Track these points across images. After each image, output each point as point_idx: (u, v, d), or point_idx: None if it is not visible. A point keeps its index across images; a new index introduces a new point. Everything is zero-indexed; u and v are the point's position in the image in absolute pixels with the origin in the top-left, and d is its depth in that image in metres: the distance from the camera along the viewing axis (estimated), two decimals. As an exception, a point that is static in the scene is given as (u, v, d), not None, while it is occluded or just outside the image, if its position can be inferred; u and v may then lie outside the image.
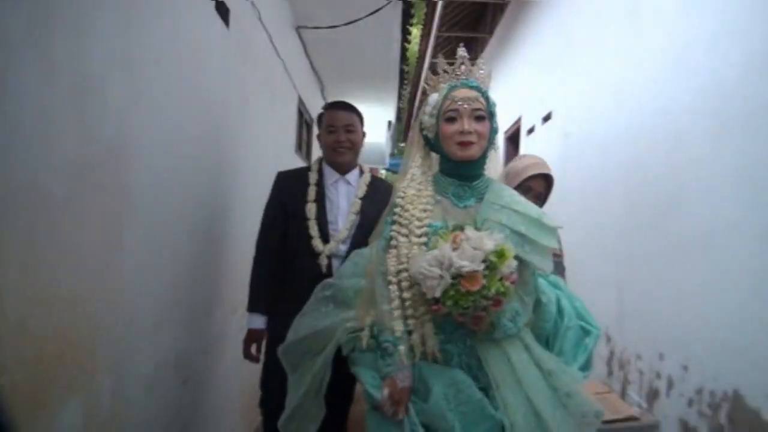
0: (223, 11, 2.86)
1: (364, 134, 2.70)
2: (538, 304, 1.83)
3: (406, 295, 1.73)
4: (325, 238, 2.48)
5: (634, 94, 3.41)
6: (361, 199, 2.56)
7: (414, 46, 10.47)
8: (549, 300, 1.87)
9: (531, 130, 5.78)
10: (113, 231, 1.76)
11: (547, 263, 1.78)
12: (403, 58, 6.60)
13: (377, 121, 7.83)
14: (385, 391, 1.70)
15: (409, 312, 1.72)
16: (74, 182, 1.52)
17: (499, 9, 7.55)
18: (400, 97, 8.26)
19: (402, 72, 6.62)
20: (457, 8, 8.24)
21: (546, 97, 5.36)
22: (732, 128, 2.47)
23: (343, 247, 2.48)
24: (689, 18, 2.87)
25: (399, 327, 1.72)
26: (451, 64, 1.82)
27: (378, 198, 2.48)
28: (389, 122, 9.17)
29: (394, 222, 1.81)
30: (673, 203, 2.89)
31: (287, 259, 2.52)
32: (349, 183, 2.61)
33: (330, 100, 7.29)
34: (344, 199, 2.57)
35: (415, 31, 11.73)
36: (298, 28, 4.88)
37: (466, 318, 1.64)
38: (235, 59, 3.13)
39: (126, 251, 1.84)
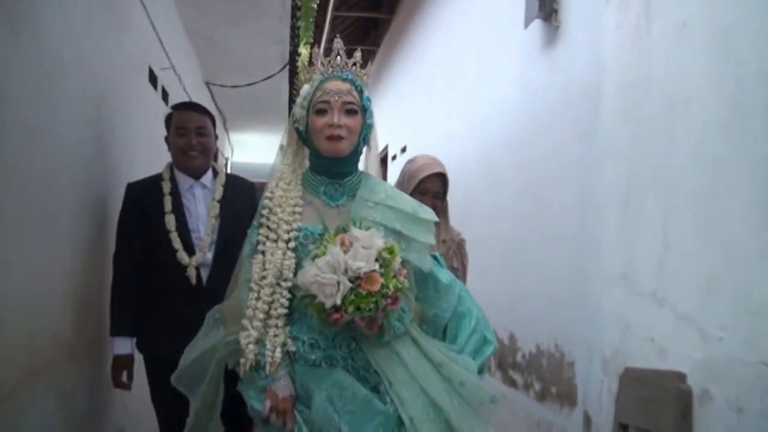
0: (162, 93, 4.18)
1: (216, 137, 2.62)
2: (437, 288, 1.81)
3: (262, 302, 1.68)
4: (190, 249, 2.40)
5: (454, 144, 5.03)
6: (219, 201, 2.47)
7: (303, 60, 11.77)
8: (451, 284, 1.85)
9: (394, 158, 7.37)
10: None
11: (425, 260, 1.75)
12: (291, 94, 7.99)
13: (271, 144, 9.20)
14: (267, 403, 1.64)
15: (270, 321, 1.67)
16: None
17: (386, 24, 8.61)
18: (290, 124, 9.66)
19: (291, 108, 8.03)
20: (344, 22, 9.09)
21: (403, 131, 6.97)
22: (496, 177, 4.10)
23: (210, 255, 2.42)
24: (481, 92, 4.50)
25: (257, 336, 1.67)
26: (328, 56, 1.76)
27: (237, 197, 2.47)
28: (281, 146, 10.65)
29: (261, 225, 1.74)
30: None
31: (154, 275, 2.43)
32: (205, 186, 2.51)
33: (232, 132, 8.62)
34: (202, 204, 2.49)
35: (304, 51, 13.03)
36: (207, 83, 6.21)
37: (364, 323, 1.58)
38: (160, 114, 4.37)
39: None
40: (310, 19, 10.82)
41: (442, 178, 2.49)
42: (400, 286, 1.56)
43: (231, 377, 1.83)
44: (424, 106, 6.04)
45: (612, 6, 2.60)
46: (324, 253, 1.57)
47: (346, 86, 1.71)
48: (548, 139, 3.27)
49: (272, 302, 1.67)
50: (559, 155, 3.15)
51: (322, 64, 1.76)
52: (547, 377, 3.15)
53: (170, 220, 2.39)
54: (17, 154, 1.95)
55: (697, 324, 2.03)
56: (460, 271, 2.55)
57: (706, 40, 2.04)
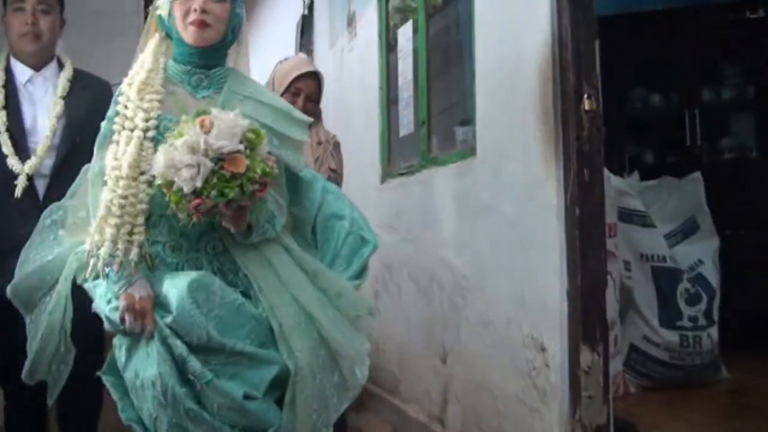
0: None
1: (63, 22, 2.20)
2: (297, 186, 1.72)
3: (119, 196, 1.48)
4: (25, 154, 2.03)
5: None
6: (62, 98, 2.10)
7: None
8: (312, 180, 1.77)
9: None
10: None
11: (299, 159, 1.67)
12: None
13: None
14: (122, 304, 1.48)
15: (126, 218, 1.49)
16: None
17: None
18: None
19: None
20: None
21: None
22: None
23: (49, 162, 2.05)
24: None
25: (113, 235, 1.48)
26: None
27: (88, 96, 2.11)
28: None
29: (117, 114, 1.57)
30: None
31: None
32: (47, 80, 2.14)
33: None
34: (43, 102, 2.12)
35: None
36: None
37: (230, 212, 1.43)
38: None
39: None
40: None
41: (316, 80, 2.35)
42: (268, 170, 1.43)
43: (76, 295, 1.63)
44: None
45: (331, 51, 4.64)
46: (181, 135, 1.42)
47: None
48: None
49: (127, 197, 1.49)
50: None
51: None
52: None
53: (1, 117, 2.03)
54: None
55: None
56: (337, 173, 2.44)
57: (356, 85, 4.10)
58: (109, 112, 1.61)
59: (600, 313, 2.16)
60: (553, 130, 2.22)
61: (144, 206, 1.52)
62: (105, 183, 1.53)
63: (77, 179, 1.70)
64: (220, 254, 1.59)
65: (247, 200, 1.43)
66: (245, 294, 1.58)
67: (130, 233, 1.50)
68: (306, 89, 2.32)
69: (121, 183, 1.50)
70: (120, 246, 1.49)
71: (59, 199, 1.78)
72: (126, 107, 1.57)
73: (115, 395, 1.59)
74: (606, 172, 3.07)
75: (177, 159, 1.39)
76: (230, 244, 1.58)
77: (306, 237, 1.74)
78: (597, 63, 2.19)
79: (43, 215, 1.69)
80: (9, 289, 1.66)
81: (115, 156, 1.53)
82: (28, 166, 2.01)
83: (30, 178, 2.02)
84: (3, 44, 2.22)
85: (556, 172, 2.21)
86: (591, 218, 2.15)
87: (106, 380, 1.61)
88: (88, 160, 1.66)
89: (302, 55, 2.50)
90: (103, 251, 1.49)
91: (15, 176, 2.00)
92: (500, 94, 2.56)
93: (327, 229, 1.76)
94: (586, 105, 2.14)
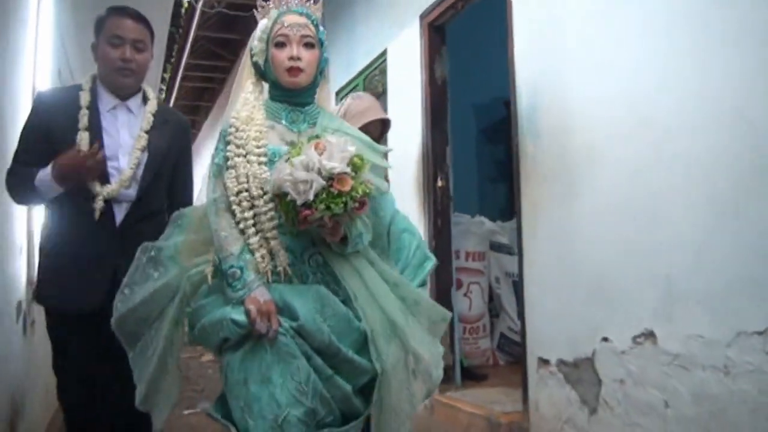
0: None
1: (152, 56, 2.19)
2: (377, 197, 1.84)
3: (246, 215, 1.69)
4: (104, 179, 2.00)
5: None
6: (147, 132, 2.08)
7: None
8: (386, 193, 1.95)
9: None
10: None
11: (383, 183, 1.83)
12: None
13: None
14: (251, 308, 1.62)
15: (251, 231, 1.69)
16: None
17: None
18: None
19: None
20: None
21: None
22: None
23: (130, 192, 2.04)
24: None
25: (241, 246, 1.68)
26: None
27: (168, 131, 2.12)
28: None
29: (228, 143, 1.74)
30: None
31: (57, 209, 2.04)
32: (130, 111, 2.12)
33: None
34: (126, 131, 2.08)
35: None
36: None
37: (331, 223, 1.62)
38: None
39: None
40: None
41: (384, 124, 2.52)
42: (368, 191, 1.63)
43: None
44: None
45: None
46: (299, 154, 1.62)
47: (303, 20, 1.80)
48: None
49: (256, 215, 1.69)
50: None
51: None
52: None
53: (83, 139, 2.00)
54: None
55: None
56: None
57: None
58: (219, 144, 1.79)
59: (448, 303, 3.74)
60: (423, 196, 3.88)
61: (276, 222, 1.71)
62: (230, 203, 1.71)
63: (168, 228, 1.83)
64: (321, 266, 1.77)
65: (347, 216, 1.64)
66: (344, 302, 1.74)
67: (261, 245, 1.70)
68: (373, 132, 2.43)
69: (248, 204, 1.71)
70: (257, 256, 1.69)
71: (136, 225, 2.02)
72: (236, 137, 1.75)
73: (227, 424, 1.68)
74: (482, 218, 4.75)
75: (294, 174, 1.58)
76: (329, 258, 1.76)
77: (383, 247, 1.93)
78: (448, 158, 3.84)
79: (136, 256, 1.77)
80: (113, 322, 1.74)
81: (237, 180, 1.72)
82: (107, 190, 2.00)
83: (107, 202, 2.01)
84: (87, 66, 2.29)
85: (424, 220, 3.86)
86: (443, 249, 3.80)
87: (215, 415, 1.72)
88: (165, 189, 2.03)
89: (372, 99, 2.61)
90: (229, 262, 1.68)
91: (92, 197, 1.99)
92: (401, 171, 4.19)
93: (400, 240, 2.03)
94: (439, 183, 3.80)
